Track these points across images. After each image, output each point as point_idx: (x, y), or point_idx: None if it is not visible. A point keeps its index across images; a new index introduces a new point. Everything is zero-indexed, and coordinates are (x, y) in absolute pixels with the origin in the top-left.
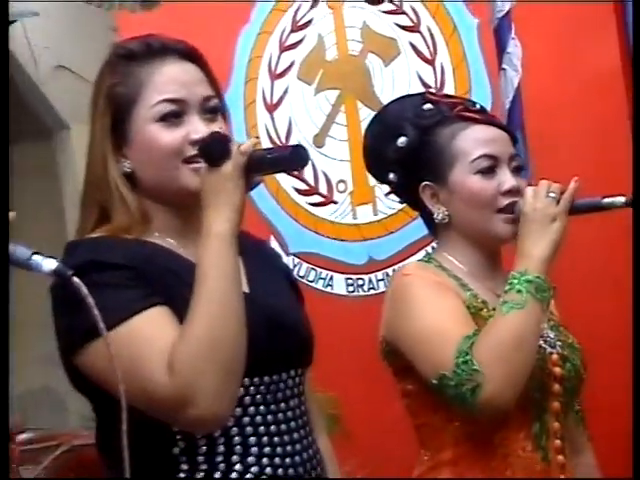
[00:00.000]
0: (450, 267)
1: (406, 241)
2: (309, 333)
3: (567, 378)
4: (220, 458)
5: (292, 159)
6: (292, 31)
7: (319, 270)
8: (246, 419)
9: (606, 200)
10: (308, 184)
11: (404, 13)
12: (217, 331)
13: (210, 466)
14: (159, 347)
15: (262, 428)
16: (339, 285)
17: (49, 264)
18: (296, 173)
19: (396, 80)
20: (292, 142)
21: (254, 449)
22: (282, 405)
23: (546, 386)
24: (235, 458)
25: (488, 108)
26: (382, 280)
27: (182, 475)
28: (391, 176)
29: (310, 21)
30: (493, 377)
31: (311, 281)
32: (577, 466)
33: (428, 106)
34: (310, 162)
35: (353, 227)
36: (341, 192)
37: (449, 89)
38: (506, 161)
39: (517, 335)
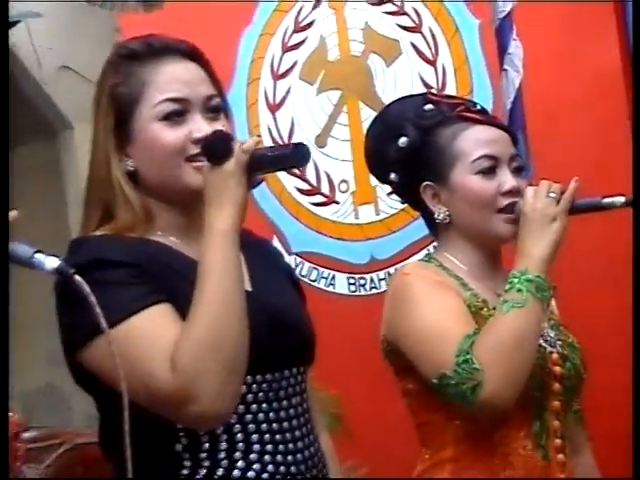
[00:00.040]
0: (450, 267)
1: (408, 241)
2: (311, 332)
3: (567, 377)
4: (222, 455)
5: (293, 157)
6: (294, 32)
7: (321, 269)
8: (248, 416)
9: (606, 200)
10: (310, 184)
11: (406, 14)
12: (219, 328)
13: (212, 463)
14: (162, 344)
15: (264, 425)
16: (341, 284)
17: (51, 262)
18: (299, 173)
19: (398, 81)
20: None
21: (256, 446)
22: (284, 403)
23: (546, 385)
24: (237, 455)
25: (490, 109)
26: (384, 279)
27: (185, 472)
28: (392, 176)
29: (312, 22)
30: (493, 376)
31: (313, 280)
32: (576, 466)
33: (429, 106)
34: (312, 162)
35: (355, 227)
36: (343, 192)
37: (451, 90)
38: (506, 161)
39: (517, 334)
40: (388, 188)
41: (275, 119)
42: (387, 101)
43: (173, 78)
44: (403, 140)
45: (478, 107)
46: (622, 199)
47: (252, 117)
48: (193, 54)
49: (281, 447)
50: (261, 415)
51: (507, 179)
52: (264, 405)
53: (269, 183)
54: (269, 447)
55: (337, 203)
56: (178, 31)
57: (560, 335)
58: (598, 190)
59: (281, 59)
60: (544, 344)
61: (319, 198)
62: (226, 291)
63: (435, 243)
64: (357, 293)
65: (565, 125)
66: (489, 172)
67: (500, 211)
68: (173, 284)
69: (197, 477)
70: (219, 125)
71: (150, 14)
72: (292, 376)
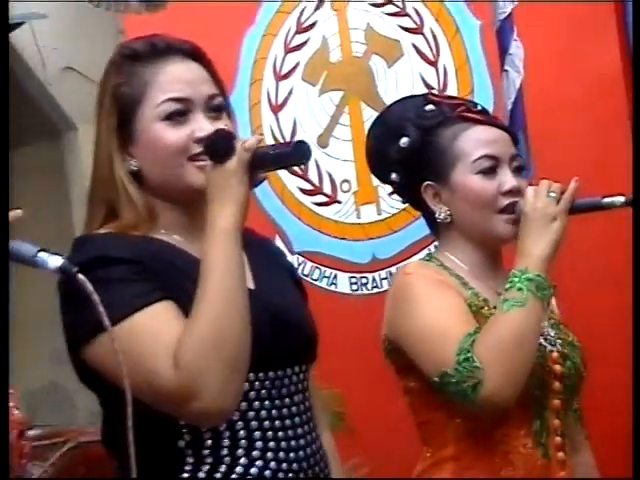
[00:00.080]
0: (451, 266)
1: (409, 240)
2: (313, 330)
3: (567, 376)
4: (225, 452)
5: (295, 154)
6: (297, 33)
7: (323, 269)
8: (251, 413)
9: (606, 200)
10: (312, 184)
11: (407, 15)
12: (222, 326)
13: (215, 459)
14: (165, 341)
15: (267, 423)
16: (343, 284)
17: (55, 261)
18: (301, 173)
19: (399, 81)
20: None
21: (259, 443)
22: (287, 400)
23: (546, 384)
24: (240, 452)
25: (490, 109)
26: (386, 279)
27: (187, 468)
28: (393, 176)
29: (314, 23)
30: (494, 374)
31: (315, 280)
32: (575, 465)
33: (430, 107)
34: (314, 162)
35: (357, 226)
36: (345, 192)
37: (452, 90)
38: (507, 161)
39: (518, 333)
40: (390, 188)
41: (277, 120)
42: (389, 102)
43: (175, 78)
44: (404, 140)
45: (479, 107)
46: (622, 199)
47: (255, 117)
48: (195, 54)
49: (283, 444)
50: (263, 412)
51: (508, 179)
52: (266, 402)
53: (271, 183)
54: (271, 444)
55: (339, 203)
56: (181, 32)
57: (560, 334)
58: (598, 190)
59: (283, 60)
60: (544, 343)
61: (321, 198)
62: (228, 289)
63: (436, 243)
64: (359, 292)
65: (565, 125)
66: (490, 172)
67: (501, 211)
68: (176, 282)
69: (200, 473)
70: (221, 124)
71: (153, 15)
72: (294, 374)
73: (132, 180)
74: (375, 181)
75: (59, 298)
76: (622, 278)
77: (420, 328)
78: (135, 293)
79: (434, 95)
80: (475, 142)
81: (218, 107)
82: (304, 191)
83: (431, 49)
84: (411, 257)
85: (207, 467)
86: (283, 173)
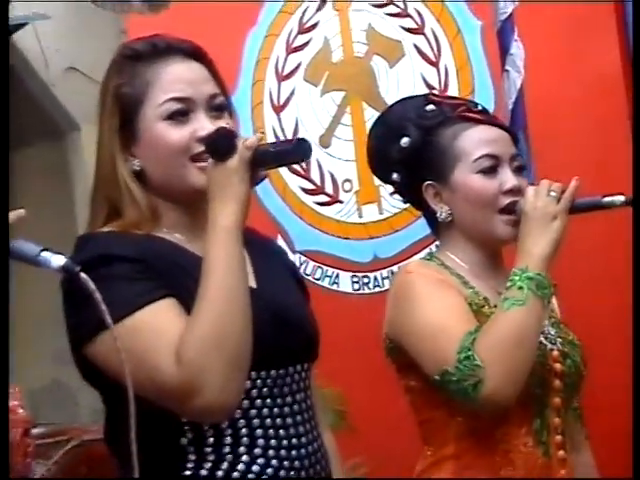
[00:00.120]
0: (452, 265)
1: (411, 239)
2: (314, 329)
3: (567, 374)
4: (227, 449)
5: (295, 152)
6: (299, 33)
7: (325, 268)
8: (253, 411)
9: (606, 199)
10: (314, 184)
11: (409, 16)
12: (223, 325)
13: (217, 457)
14: (167, 339)
15: (269, 420)
16: (345, 283)
17: (57, 260)
18: (303, 173)
19: (401, 82)
20: None
21: (260, 441)
22: (288, 399)
23: (547, 382)
24: (242, 449)
25: (491, 109)
26: (387, 278)
27: (189, 465)
28: (394, 176)
29: (316, 24)
30: (495, 373)
31: (317, 279)
32: (575, 466)
33: (430, 107)
34: (316, 162)
35: (359, 226)
36: (347, 191)
37: (453, 90)
38: (507, 161)
39: (518, 331)
40: (391, 188)
41: (279, 120)
42: (390, 102)
43: (177, 78)
44: (405, 140)
45: (479, 107)
46: (622, 198)
47: (257, 118)
48: (196, 54)
49: (285, 442)
50: (265, 410)
51: (508, 178)
52: (268, 401)
53: (273, 183)
54: (273, 442)
55: (341, 202)
56: (184, 32)
57: (560, 332)
58: (598, 190)
59: (285, 60)
60: (545, 341)
61: (323, 197)
62: (230, 288)
63: (437, 242)
64: (361, 291)
65: (566, 125)
66: (490, 171)
67: (501, 211)
68: (179, 280)
69: (202, 471)
70: (223, 123)
71: (156, 15)
72: (296, 373)
73: (135, 180)
74: (377, 181)
75: (62, 296)
76: (622, 278)
77: (421, 327)
78: (138, 291)
79: (435, 95)
80: (476, 142)
81: (219, 106)
82: (306, 191)
83: (432, 49)
84: (412, 256)
85: (209, 464)
86: (285, 173)
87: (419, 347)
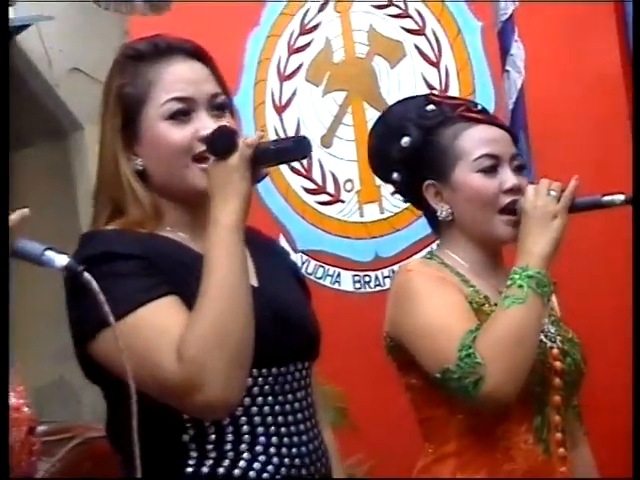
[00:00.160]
0: (452, 264)
1: (412, 239)
2: (315, 328)
3: (567, 372)
4: (229, 446)
5: (296, 149)
6: (300, 34)
7: (327, 267)
8: (254, 409)
9: (606, 198)
10: (316, 183)
11: (410, 17)
12: (224, 324)
13: (219, 454)
14: (169, 336)
15: (270, 418)
16: (346, 282)
17: (61, 260)
18: (304, 173)
19: (402, 82)
20: None
21: (262, 438)
22: (289, 396)
23: (547, 380)
24: (243, 447)
25: (492, 109)
26: (388, 277)
27: (191, 462)
28: (395, 175)
29: (318, 24)
30: (495, 370)
31: (319, 278)
32: (574, 462)
33: (431, 107)
34: (318, 162)
35: (360, 225)
36: (348, 191)
37: (454, 91)
38: (507, 160)
39: (518, 329)
40: (392, 187)
41: (281, 120)
42: (391, 102)
43: (178, 77)
44: (405, 140)
45: (479, 107)
46: (622, 197)
47: (259, 118)
48: (198, 53)
49: (286, 440)
50: (266, 408)
51: (508, 177)
52: (269, 398)
53: (275, 183)
54: (274, 439)
55: (342, 202)
56: (186, 33)
57: (560, 331)
58: (598, 190)
59: (287, 61)
60: (545, 339)
61: (325, 197)
62: (231, 286)
63: (438, 241)
64: (362, 290)
65: (566, 125)
66: (490, 170)
67: (501, 210)
68: (182, 278)
69: (203, 468)
70: (224, 122)
71: (158, 16)
72: (297, 371)
73: (138, 179)
74: (378, 180)
75: (65, 294)
76: (622, 277)
77: (421, 325)
78: (140, 288)
79: (435, 95)
80: (476, 141)
81: (221, 105)
82: (308, 190)
83: (433, 50)
84: (413, 256)
85: (210, 462)
86: (287, 173)
87: (420, 345)
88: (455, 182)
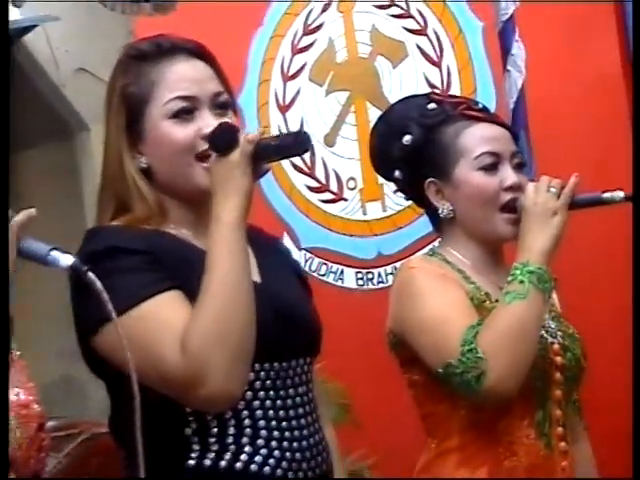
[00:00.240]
0: (454, 261)
1: (414, 236)
2: (317, 325)
3: (568, 367)
4: (230, 440)
5: (296, 145)
6: (304, 34)
7: (330, 264)
8: (256, 403)
9: (606, 195)
10: (319, 182)
11: (411, 17)
12: (226, 320)
13: (221, 447)
14: (172, 329)
15: (271, 412)
16: (349, 279)
17: (66, 260)
18: (308, 171)
19: (404, 81)
20: None
21: (263, 432)
22: (291, 391)
23: (548, 375)
24: (245, 440)
25: (493, 109)
26: (391, 274)
27: (193, 455)
28: (397, 173)
29: (321, 25)
30: (497, 365)
31: (322, 275)
32: (574, 455)
33: (432, 105)
34: (321, 161)
35: (363, 223)
36: (351, 189)
37: (455, 90)
38: (508, 158)
39: (520, 324)
40: (394, 185)
41: (285, 119)
42: (393, 101)
43: (181, 77)
44: (407, 138)
45: (480, 106)
46: (622, 194)
47: (263, 117)
48: (200, 52)
49: (287, 434)
50: (268, 402)
51: (509, 175)
52: (271, 392)
53: (279, 182)
54: (275, 433)
55: (345, 200)
56: (190, 33)
57: (561, 326)
58: (599, 189)
59: (291, 61)
60: (545, 335)
61: (328, 195)
62: (233, 283)
63: (439, 239)
64: (365, 287)
65: (566, 125)
66: (491, 168)
67: (502, 209)
68: (186, 274)
69: (205, 461)
70: (227, 120)
71: (163, 17)
72: (298, 366)
73: (142, 177)
74: (380, 179)
75: (70, 290)
76: (622, 274)
77: (424, 320)
78: (143, 282)
79: (436, 94)
80: (477, 139)
81: (224, 104)
82: (311, 189)
83: (435, 50)
84: (416, 253)
85: (212, 455)
86: (291, 172)
87: (422, 341)
88: (456, 180)
